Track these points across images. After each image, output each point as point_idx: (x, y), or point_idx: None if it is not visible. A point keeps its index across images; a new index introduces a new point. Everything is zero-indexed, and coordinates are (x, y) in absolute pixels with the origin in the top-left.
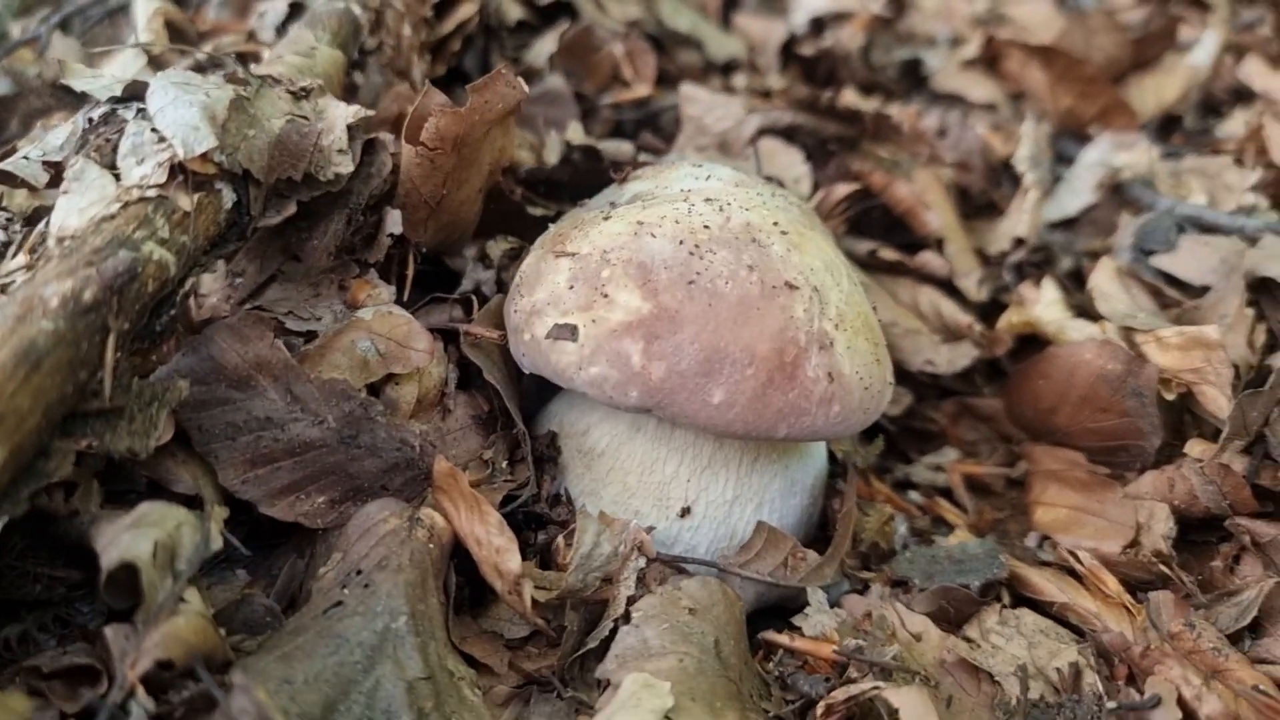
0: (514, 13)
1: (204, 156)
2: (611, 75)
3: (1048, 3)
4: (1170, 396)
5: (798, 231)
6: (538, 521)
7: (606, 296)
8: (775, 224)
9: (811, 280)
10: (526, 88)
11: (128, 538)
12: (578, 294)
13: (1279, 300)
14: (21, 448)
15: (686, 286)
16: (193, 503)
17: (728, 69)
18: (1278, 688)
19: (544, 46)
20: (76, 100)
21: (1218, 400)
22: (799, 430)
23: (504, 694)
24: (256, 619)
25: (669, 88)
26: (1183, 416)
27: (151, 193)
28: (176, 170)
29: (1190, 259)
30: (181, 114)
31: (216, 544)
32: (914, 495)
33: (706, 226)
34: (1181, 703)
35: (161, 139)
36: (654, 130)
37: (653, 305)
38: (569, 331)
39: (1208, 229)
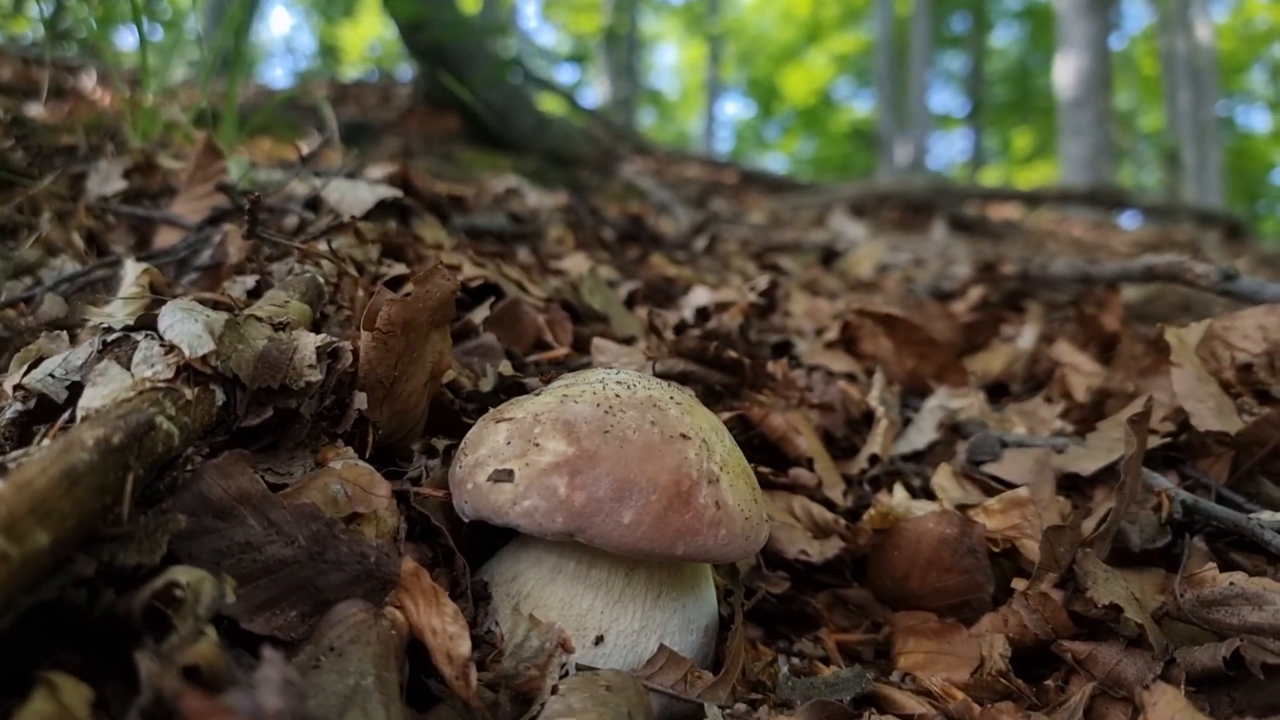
0: None
1: (203, 359)
2: (535, 340)
3: (897, 307)
4: (997, 550)
5: (689, 404)
6: (474, 643)
7: (538, 445)
8: (671, 398)
9: (701, 434)
10: (459, 281)
11: (164, 578)
12: (514, 446)
13: (1080, 490)
14: (60, 541)
15: (603, 434)
16: None
17: (629, 341)
18: None
19: (479, 314)
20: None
21: (1034, 549)
22: (694, 549)
23: None
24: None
25: (583, 352)
26: (1011, 575)
27: (161, 383)
28: (181, 369)
29: (1012, 464)
30: (187, 327)
31: (230, 597)
32: (795, 661)
33: (618, 395)
34: None
35: (169, 350)
36: None
37: (576, 449)
38: (507, 475)
39: (1026, 448)
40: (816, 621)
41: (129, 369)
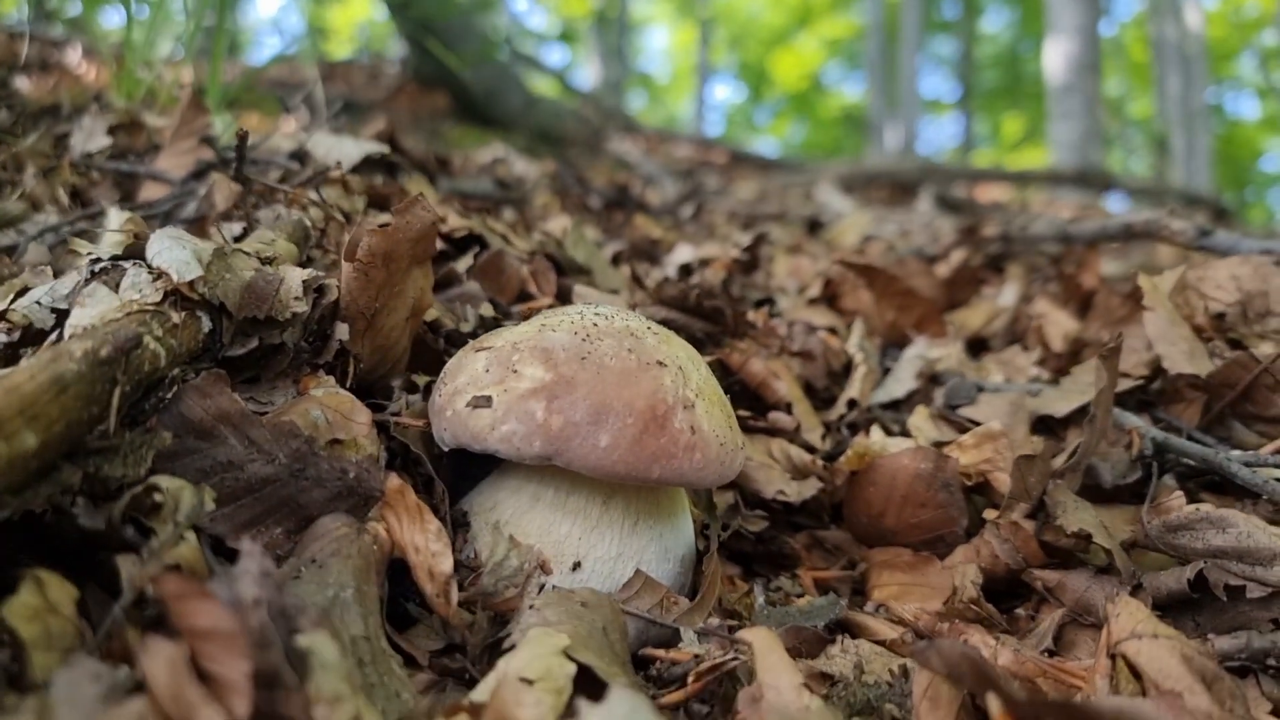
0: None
1: (190, 284)
2: (519, 290)
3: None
4: (971, 484)
5: (665, 335)
6: (454, 566)
7: (516, 372)
8: (649, 328)
9: (677, 362)
10: (440, 214)
11: (146, 484)
12: (493, 374)
13: (1053, 430)
14: (48, 444)
15: (580, 361)
16: None
17: (613, 294)
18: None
19: (462, 263)
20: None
21: (1006, 482)
22: (669, 472)
23: (424, 681)
24: None
25: (567, 302)
26: (984, 510)
27: (149, 306)
28: (169, 294)
29: (988, 407)
30: (176, 254)
31: (209, 506)
32: (771, 593)
33: (595, 324)
34: None
35: (157, 277)
36: None
37: (553, 375)
38: (485, 401)
39: (1002, 393)
40: (794, 561)
41: (117, 293)
